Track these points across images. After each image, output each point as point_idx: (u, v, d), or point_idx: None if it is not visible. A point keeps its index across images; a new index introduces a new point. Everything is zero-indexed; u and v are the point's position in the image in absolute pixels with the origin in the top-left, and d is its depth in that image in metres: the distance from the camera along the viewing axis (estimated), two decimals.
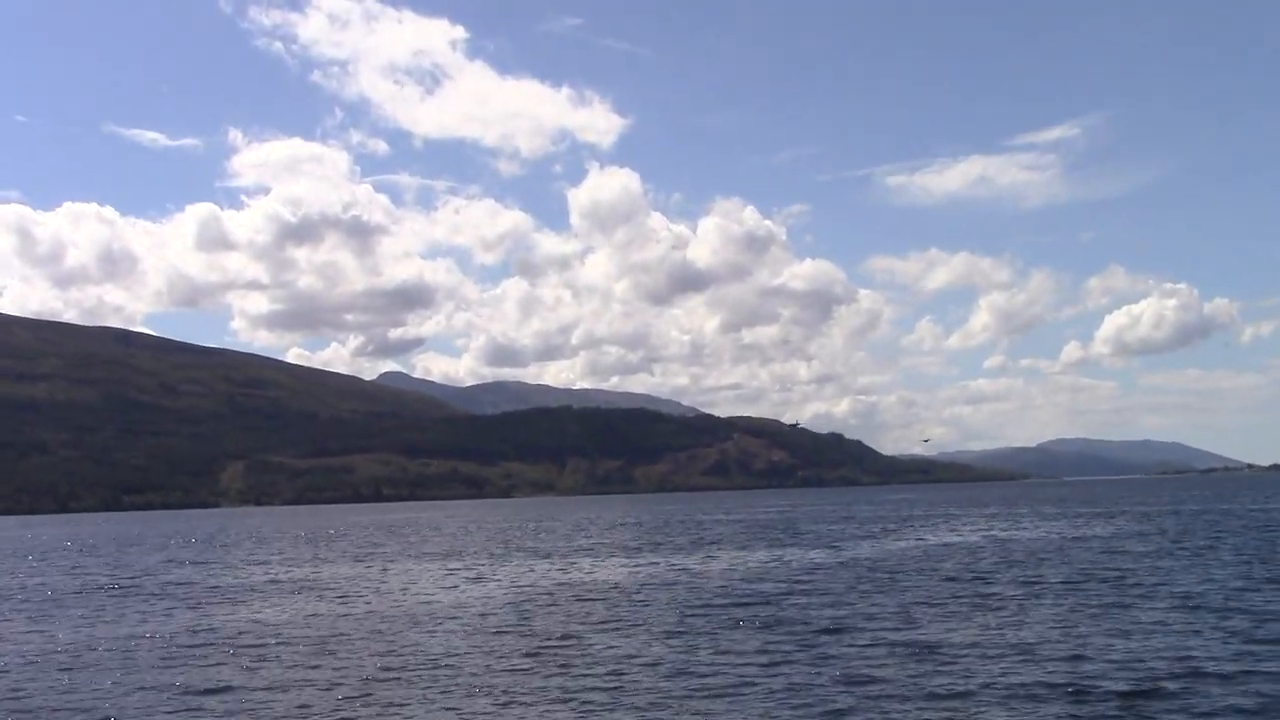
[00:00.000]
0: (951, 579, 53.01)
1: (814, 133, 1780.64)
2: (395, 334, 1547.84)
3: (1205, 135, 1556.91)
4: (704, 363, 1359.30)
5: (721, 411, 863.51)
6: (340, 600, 52.23)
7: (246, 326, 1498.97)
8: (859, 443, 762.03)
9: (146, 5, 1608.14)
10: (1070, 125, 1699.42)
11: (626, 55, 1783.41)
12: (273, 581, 63.80)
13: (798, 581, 54.07)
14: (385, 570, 70.49)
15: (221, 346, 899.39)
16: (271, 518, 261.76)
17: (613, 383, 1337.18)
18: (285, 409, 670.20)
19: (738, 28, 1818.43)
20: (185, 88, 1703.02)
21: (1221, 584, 46.74)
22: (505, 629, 40.06)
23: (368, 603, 50.76)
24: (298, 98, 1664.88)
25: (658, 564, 68.05)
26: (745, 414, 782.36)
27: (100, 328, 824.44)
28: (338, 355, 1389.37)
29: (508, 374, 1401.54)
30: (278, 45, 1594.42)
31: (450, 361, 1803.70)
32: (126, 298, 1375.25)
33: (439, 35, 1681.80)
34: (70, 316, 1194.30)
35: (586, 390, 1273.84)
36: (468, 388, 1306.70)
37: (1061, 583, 49.60)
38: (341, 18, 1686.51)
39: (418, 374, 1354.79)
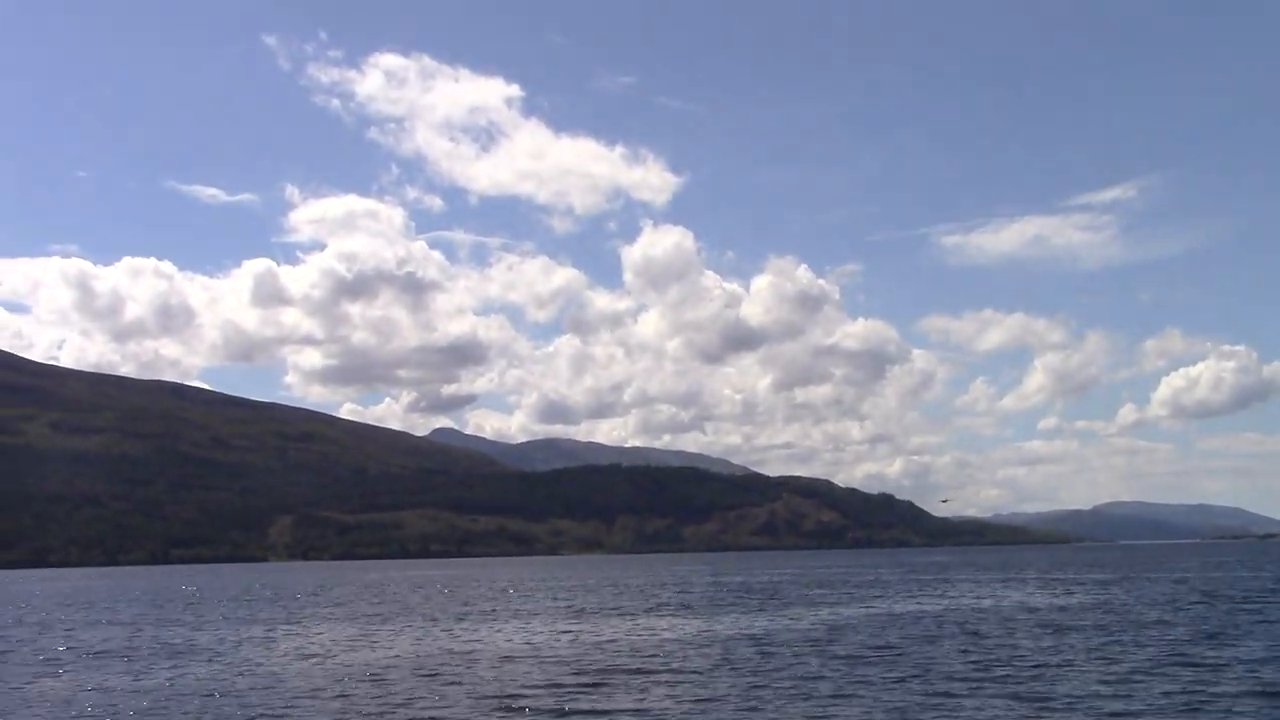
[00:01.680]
0: (834, 655, 49.42)
1: (868, 191, 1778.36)
2: (448, 390, 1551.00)
3: (1263, 195, 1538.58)
4: (756, 421, 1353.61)
5: (773, 471, 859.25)
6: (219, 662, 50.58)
7: (300, 381, 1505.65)
8: (910, 504, 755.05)
9: (206, 62, 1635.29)
10: (1127, 186, 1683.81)
11: (680, 113, 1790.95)
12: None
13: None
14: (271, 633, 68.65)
15: (275, 401, 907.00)
16: (310, 572, 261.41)
17: (665, 441, 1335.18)
18: (335, 464, 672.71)
19: (792, 86, 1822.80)
20: (243, 144, 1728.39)
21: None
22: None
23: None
24: (354, 154, 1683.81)
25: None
26: (797, 473, 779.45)
27: (154, 381, 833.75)
28: (391, 411, 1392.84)
29: (559, 431, 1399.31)
30: (335, 102, 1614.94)
31: (502, 418, 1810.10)
32: (183, 352, 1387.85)
33: (494, 93, 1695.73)
34: (127, 370, 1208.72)
35: (638, 448, 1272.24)
36: (519, 444, 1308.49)
37: (896, 675, 43.09)
38: (398, 75, 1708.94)
39: (470, 430, 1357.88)
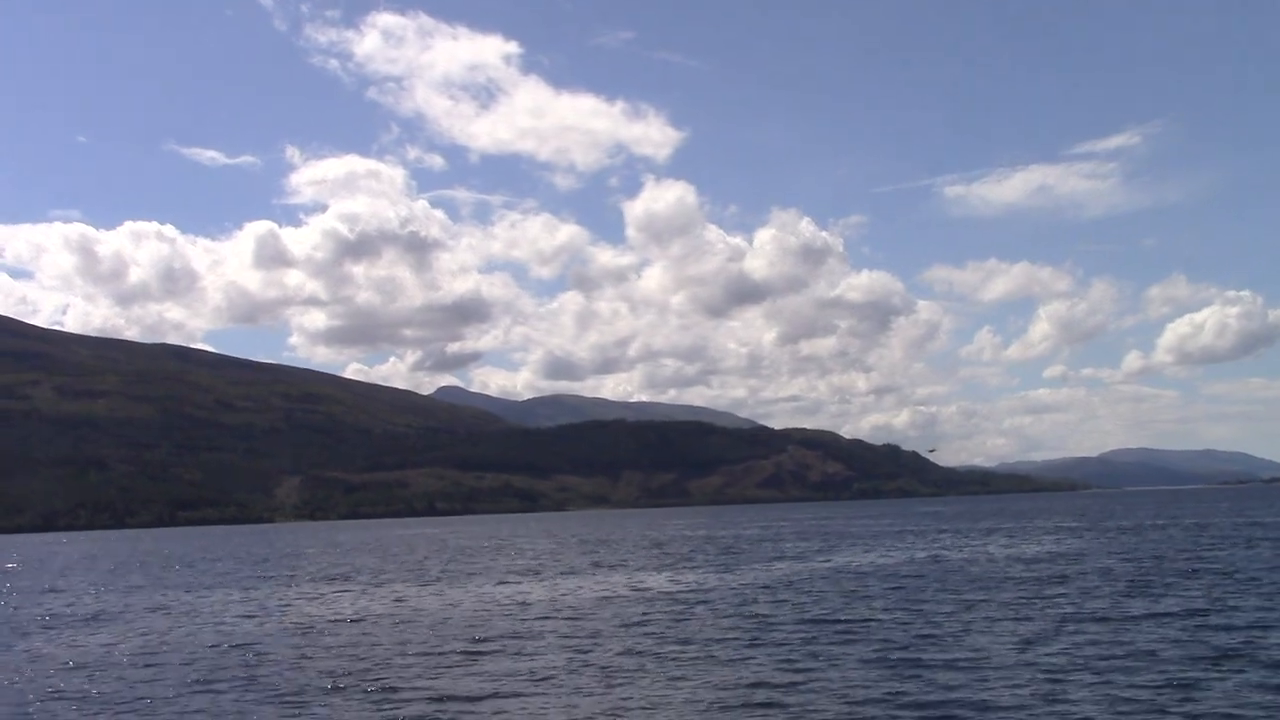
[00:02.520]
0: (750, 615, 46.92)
1: (871, 144, 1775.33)
2: (453, 348, 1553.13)
3: (1268, 141, 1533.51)
4: (761, 375, 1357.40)
5: (779, 424, 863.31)
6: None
7: (305, 342, 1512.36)
8: (915, 454, 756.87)
9: (203, 26, 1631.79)
10: (1131, 133, 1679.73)
11: (681, 68, 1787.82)
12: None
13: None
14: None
15: (279, 363, 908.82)
16: (312, 532, 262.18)
17: (670, 395, 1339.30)
18: (341, 424, 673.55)
19: (793, 39, 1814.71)
20: (242, 106, 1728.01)
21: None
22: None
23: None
24: (354, 114, 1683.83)
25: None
26: (803, 426, 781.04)
27: (159, 345, 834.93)
28: (396, 370, 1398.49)
29: (565, 387, 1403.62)
30: (334, 63, 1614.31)
31: (508, 375, 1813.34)
32: (186, 315, 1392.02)
33: (493, 51, 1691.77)
34: (131, 334, 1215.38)
35: (644, 403, 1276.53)
36: (525, 401, 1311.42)
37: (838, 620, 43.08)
38: (396, 34, 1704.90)
39: (475, 388, 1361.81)
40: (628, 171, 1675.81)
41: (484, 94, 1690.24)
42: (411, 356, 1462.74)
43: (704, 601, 51.73)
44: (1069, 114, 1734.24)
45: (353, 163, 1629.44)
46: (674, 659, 34.50)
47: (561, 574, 75.50)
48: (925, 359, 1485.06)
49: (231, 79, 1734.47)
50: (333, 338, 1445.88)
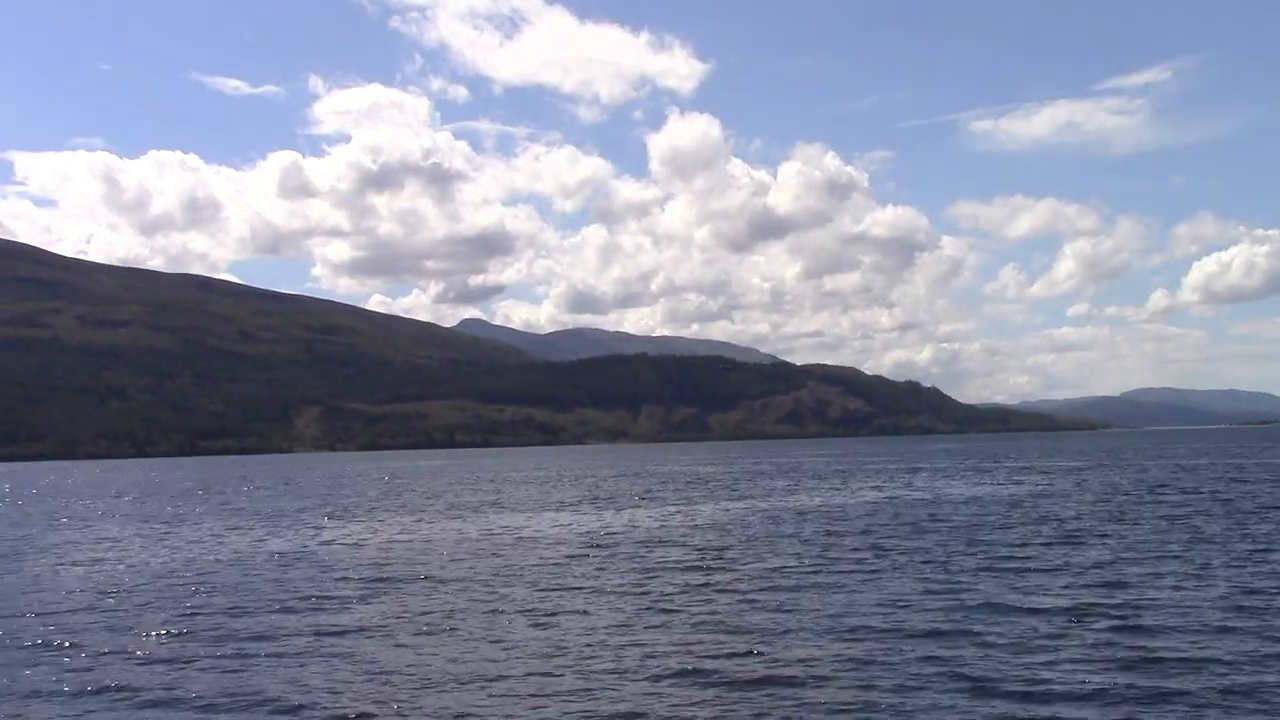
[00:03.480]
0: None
1: (898, 78, 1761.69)
2: (476, 281, 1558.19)
3: None
4: (784, 310, 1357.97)
5: (802, 359, 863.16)
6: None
7: (328, 274, 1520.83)
8: (936, 391, 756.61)
9: None
10: (1160, 69, 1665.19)
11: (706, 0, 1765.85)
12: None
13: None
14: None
15: (303, 293, 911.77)
16: (330, 463, 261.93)
17: (693, 330, 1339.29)
18: (361, 355, 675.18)
19: None
20: (266, 35, 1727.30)
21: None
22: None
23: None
24: (377, 44, 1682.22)
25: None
26: (825, 362, 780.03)
27: (181, 275, 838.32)
28: (419, 302, 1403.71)
29: (588, 321, 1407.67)
30: None
31: (531, 309, 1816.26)
32: (210, 245, 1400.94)
33: None
34: (156, 264, 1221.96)
35: (666, 337, 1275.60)
36: (547, 335, 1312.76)
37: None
38: None
39: (498, 321, 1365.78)
40: (652, 104, 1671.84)
41: (508, 24, 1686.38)
42: (434, 289, 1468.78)
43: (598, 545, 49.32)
44: (1099, 49, 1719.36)
45: (376, 93, 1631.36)
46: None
47: (550, 509, 73.94)
48: (949, 295, 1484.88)
49: (255, 7, 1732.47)
50: (355, 269, 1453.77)
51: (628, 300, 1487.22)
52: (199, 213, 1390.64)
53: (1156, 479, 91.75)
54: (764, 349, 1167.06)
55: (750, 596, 32.48)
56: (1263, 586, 31.62)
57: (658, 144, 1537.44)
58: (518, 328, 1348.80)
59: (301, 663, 25.26)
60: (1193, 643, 24.46)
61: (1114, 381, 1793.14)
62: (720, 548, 46.01)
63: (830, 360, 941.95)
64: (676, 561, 41.76)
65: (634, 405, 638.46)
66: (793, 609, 30.05)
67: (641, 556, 43.85)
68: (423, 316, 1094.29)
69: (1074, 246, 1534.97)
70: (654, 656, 24.75)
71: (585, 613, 30.77)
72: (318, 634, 28.51)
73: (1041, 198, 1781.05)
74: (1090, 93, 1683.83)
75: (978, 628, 26.63)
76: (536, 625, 29.10)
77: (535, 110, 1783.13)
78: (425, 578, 39.01)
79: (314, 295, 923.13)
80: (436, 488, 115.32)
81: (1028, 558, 39.54)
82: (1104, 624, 26.63)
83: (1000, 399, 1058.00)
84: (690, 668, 23.48)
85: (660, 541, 49.76)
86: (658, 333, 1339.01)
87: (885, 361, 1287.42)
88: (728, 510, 68.25)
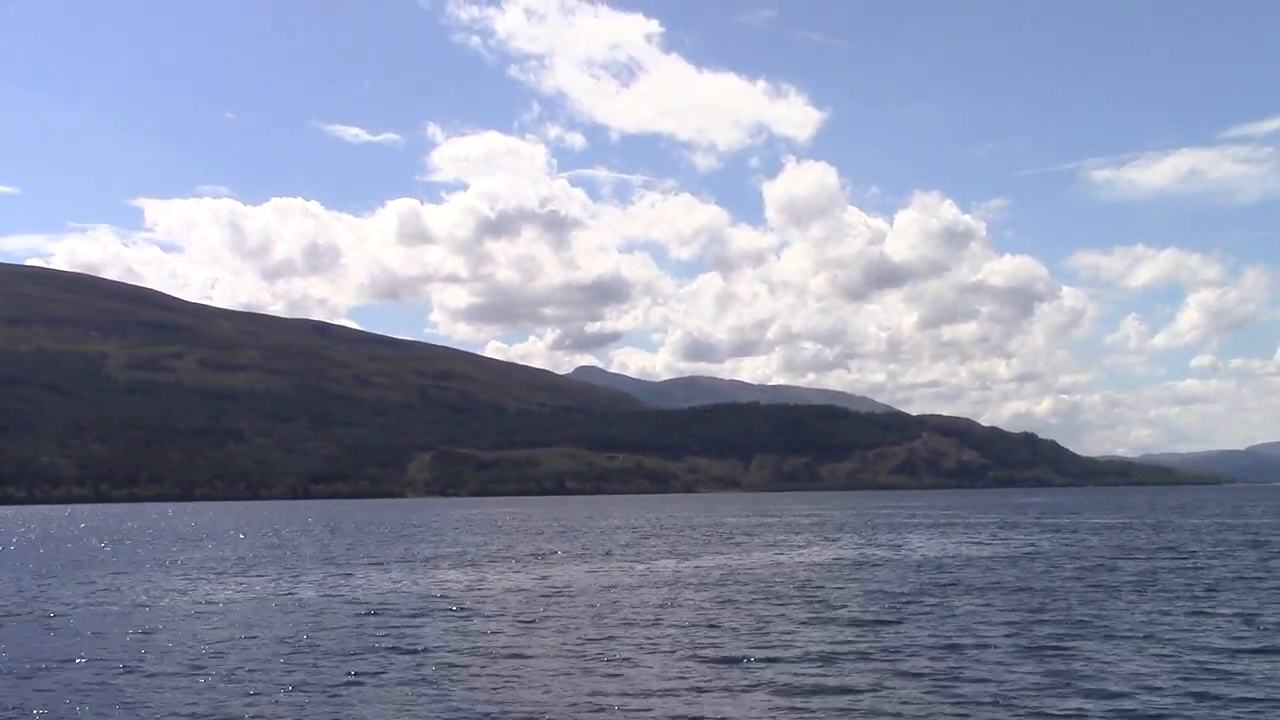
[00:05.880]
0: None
1: (1016, 125, 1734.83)
2: (592, 328, 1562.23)
3: None
4: (901, 359, 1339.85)
5: (919, 409, 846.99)
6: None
7: (446, 319, 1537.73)
8: (1053, 443, 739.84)
9: (346, 3, 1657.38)
10: None
11: (823, 47, 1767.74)
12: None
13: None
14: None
15: (421, 339, 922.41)
16: (460, 508, 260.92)
17: (809, 379, 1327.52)
18: (475, 401, 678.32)
19: (936, 18, 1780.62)
20: (385, 84, 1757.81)
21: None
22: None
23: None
24: (495, 92, 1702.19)
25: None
26: (942, 412, 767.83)
27: (299, 320, 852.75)
28: (535, 348, 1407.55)
29: (703, 369, 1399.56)
30: (475, 40, 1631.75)
31: (646, 356, 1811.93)
32: (330, 290, 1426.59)
33: (634, 29, 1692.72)
34: (277, 309, 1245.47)
35: (781, 386, 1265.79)
36: (662, 383, 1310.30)
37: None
38: (538, 12, 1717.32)
39: (614, 368, 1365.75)
40: (768, 151, 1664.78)
41: (625, 72, 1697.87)
42: (551, 335, 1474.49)
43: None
44: (1223, 96, 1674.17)
45: (493, 140, 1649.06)
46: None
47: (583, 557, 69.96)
48: (1069, 346, 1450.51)
49: (375, 57, 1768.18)
50: (473, 315, 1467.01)
51: (743, 348, 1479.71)
52: (319, 258, 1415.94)
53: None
54: (880, 399, 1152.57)
55: None
56: None
57: (774, 191, 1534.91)
58: (633, 375, 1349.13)
59: None
60: None
61: (1239, 435, 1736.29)
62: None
63: (948, 410, 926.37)
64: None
65: (745, 454, 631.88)
66: None
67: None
68: (539, 363, 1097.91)
69: (1197, 297, 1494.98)
70: None
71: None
72: None
73: (1164, 248, 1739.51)
74: (1215, 140, 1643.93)
75: None
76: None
77: (651, 158, 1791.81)
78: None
79: (431, 341, 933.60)
80: (618, 535, 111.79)
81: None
82: None
83: (1121, 452, 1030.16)
84: None
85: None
86: (773, 381, 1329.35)
87: (1003, 412, 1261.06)
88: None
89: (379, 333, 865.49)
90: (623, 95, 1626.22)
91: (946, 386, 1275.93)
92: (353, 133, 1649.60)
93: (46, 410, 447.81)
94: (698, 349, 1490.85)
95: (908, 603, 44.72)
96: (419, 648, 34.31)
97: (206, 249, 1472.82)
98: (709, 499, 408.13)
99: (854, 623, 38.67)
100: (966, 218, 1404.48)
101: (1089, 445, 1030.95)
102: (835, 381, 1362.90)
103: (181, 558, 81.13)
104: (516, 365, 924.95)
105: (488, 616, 42.25)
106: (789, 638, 35.35)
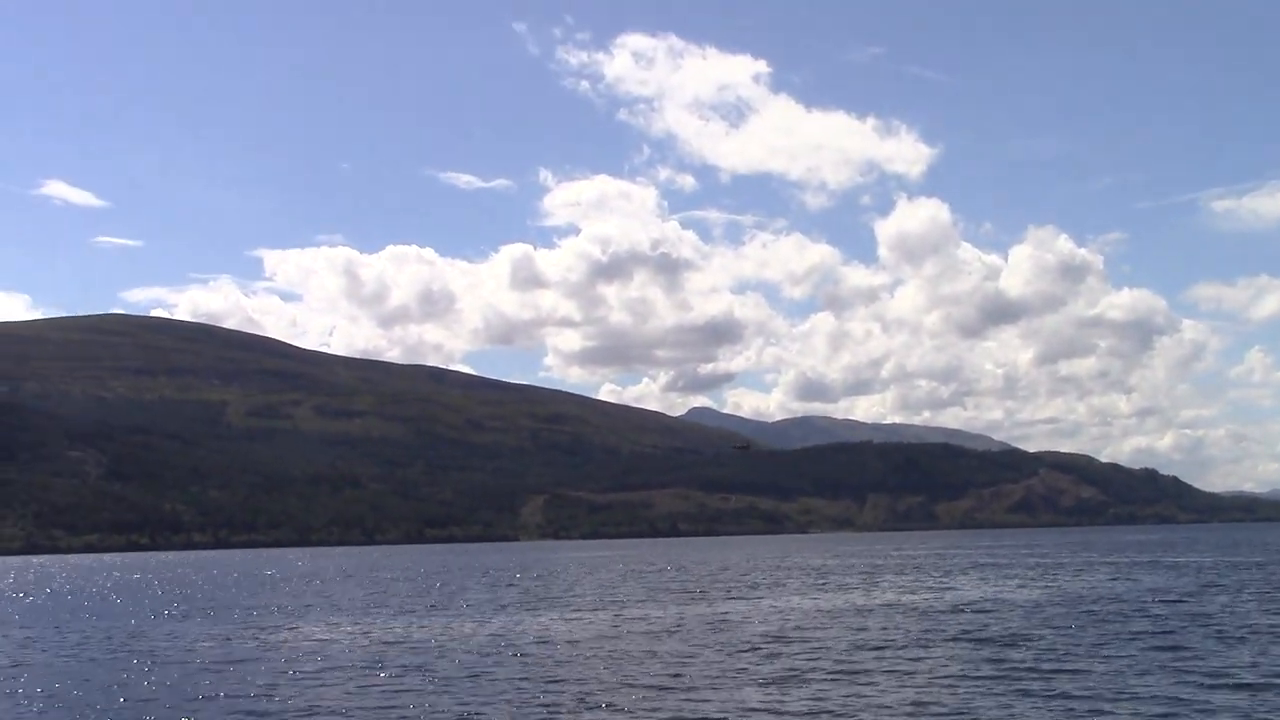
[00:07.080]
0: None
1: (1131, 158, 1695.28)
2: (705, 369, 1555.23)
3: None
4: (1018, 396, 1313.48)
5: (1036, 446, 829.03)
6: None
7: (560, 363, 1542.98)
8: (1175, 479, 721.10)
9: (456, 51, 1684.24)
10: None
11: (932, 83, 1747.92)
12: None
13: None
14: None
15: (535, 383, 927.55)
16: (531, 552, 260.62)
17: (924, 417, 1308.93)
18: (587, 444, 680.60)
19: (1046, 50, 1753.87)
20: (496, 130, 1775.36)
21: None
22: None
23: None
24: (605, 136, 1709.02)
25: None
26: (1060, 449, 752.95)
27: (414, 366, 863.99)
28: (649, 391, 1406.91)
29: (817, 409, 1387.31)
30: (585, 85, 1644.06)
31: (760, 397, 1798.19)
32: (445, 336, 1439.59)
33: (742, 70, 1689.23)
34: (393, 355, 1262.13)
35: (896, 425, 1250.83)
36: (776, 423, 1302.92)
37: None
38: (646, 55, 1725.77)
39: (728, 409, 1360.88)
40: (879, 189, 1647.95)
41: (734, 113, 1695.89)
42: (664, 377, 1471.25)
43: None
44: None
45: (604, 184, 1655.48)
46: None
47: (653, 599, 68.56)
48: (1191, 380, 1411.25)
49: (486, 104, 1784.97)
50: (586, 358, 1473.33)
51: (858, 387, 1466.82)
52: (434, 305, 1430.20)
53: None
54: (997, 436, 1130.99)
55: None
56: None
57: (886, 229, 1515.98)
58: (747, 416, 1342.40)
59: None
60: None
61: None
62: None
63: (1067, 447, 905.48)
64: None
65: (859, 494, 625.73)
66: None
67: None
68: (653, 405, 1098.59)
69: None
70: None
71: None
72: None
73: None
74: None
75: None
76: None
77: (762, 198, 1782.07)
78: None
79: (546, 385, 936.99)
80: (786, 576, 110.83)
81: None
82: None
83: (1249, 487, 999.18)
84: None
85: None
86: (888, 420, 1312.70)
87: (1124, 448, 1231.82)
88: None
89: (493, 377, 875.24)
90: (732, 136, 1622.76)
91: (1064, 423, 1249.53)
92: (465, 180, 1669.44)
93: (169, 458, 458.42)
94: (811, 389, 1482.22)
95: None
96: None
97: (324, 297, 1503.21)
98: (827, 539, 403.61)
99: None
100: (1082, 251, 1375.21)
101: (1214, 481, 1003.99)
102: (951, 419, 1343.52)
103: (394, 601, 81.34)
104: (628, 407, 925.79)
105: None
106: None
